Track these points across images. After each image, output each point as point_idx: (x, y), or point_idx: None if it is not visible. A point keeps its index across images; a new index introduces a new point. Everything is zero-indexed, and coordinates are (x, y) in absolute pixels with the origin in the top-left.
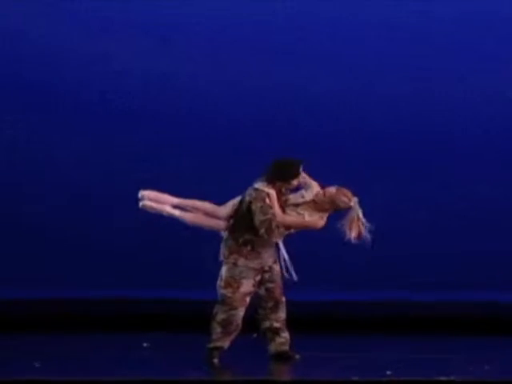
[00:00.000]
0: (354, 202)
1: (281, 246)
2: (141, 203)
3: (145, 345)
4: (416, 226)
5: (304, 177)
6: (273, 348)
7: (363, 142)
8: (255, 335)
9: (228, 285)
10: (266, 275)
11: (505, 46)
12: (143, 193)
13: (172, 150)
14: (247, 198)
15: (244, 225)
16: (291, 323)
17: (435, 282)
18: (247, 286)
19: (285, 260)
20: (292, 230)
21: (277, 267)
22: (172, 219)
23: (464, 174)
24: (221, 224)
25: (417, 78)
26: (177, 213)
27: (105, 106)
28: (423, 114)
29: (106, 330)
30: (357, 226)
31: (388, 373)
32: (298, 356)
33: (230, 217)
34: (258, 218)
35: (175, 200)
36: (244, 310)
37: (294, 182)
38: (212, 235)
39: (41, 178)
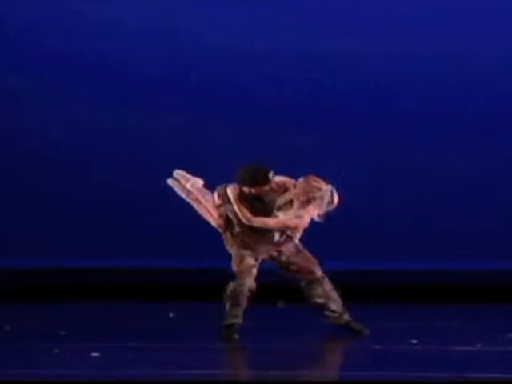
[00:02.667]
0: (326, 187)
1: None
2: (169, 180)
3: (171, 314)
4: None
5: (277, 183)
6: (330, 322)
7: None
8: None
9: (233, 262)
10: (282, 258)
11: None
12: (176, 171)
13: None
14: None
15: (233, 219)
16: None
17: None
18: (250, 259)
19: None
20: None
21: (288, 249)
22: None
23: None
24: (213, 221)
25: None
26: (190, 197)
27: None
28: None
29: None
30: (320, 206)
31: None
32: (367, 330)
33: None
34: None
35: (199, 185)
36: (251, 281)
37: (264, 188)
38: None
39: None
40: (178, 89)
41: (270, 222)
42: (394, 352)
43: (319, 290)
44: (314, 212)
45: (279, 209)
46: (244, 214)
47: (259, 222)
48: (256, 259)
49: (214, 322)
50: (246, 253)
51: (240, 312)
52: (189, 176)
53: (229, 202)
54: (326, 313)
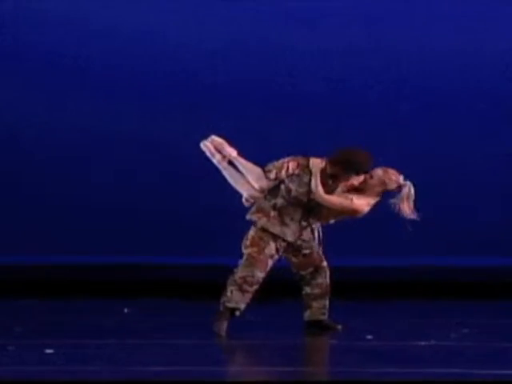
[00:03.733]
0: (402, 180)
1: (316, 232)
2: (202, 142)
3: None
4: None
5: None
6: (307, 315)
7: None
8: None
9: (255, 244)
10: (299, 242)
11: None
12: (212, 137)
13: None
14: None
15: (278, 190)
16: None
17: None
18: (272, 248)
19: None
20: (332, 220)
21: (307, 236)
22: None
23: None
24: (253, 193)
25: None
26: (223, 165)
27: None
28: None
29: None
30: (407, 204)
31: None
32: (339, 326)
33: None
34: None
35: (233, 154)
36: (264, 273)
37: (356, 178)
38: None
39: None
40: (177, 87)
41: (341, 201)
42: (354, 348)
43: (322, 279)
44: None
45: (349, 191)
46: (319, 187)
47: (330, 199)
48: (277, 250)
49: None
50: (271, 237)
51: (244, 299)
52: (225, 144)
53: (306, 173)
54: (316, 304)
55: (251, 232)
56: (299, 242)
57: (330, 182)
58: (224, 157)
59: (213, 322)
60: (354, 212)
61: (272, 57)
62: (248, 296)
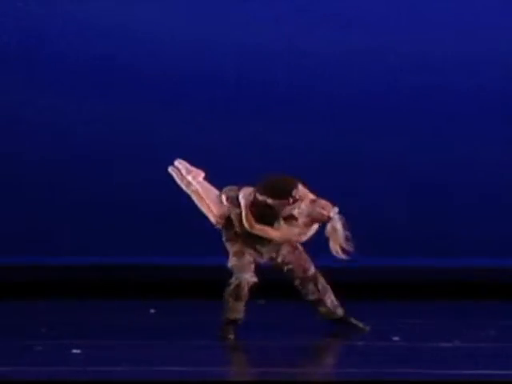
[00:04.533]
0: (333, 213)
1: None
2: (170, 168)
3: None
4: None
5: (298, 197)
6: (323, 317)
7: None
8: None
9: (233, 255)
10: (280, 259)
11: None
12: (178, 160)
13: None
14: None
15: (235, 221)
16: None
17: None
18: (250, 254)
19: None
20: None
21: (285, 248)
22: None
23: None
24: (212, 217)
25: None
26: (191, 188)
27: None
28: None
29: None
30: (336, 240)
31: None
32: (366, 327)
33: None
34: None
35: (199, 177)
36: (252, 276)
37: (281, 202)
38: None
39: None
40: (179, 86)
41: (272, 232)
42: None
43: (312, 287)
44: (315, 228)
45: (284, 219)
46: (248, 220)
47: (261, 230)
48: (257, 256)
49: (212, 320)
50: (247, 250)
51: (242, 307)
52: (191, 167)
53: (238, 206)
54: (320, 308)
55: (229, 253)
56: (280, 260)
57: (268, 209)
58: (189, 183)
59: (220, 338)
60: (289, 241)
61: (284, 59)
62: (244, 300)
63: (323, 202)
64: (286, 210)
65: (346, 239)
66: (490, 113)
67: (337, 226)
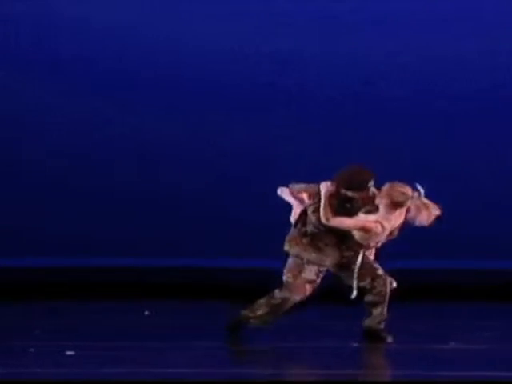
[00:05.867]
0: (410, 192)
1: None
2: (279, 190)
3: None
4: None
5: (373, 191)
6: (366, 321)
7: None
8: None
9: (290, 270)
10: (344, 260)
11: None
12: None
13: None
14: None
15: (306, 217)
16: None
17: None
18: (310, 273)
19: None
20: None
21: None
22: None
23: None
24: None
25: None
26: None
27: None
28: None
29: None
30: (425, 212)
31: None
32: (389, 339)
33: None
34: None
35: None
36: (301, 298)
37: (359, 193)
38: None
39: None
40: (179, 86)
41: (347, 221)
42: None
43: (380, 287)
44: (396, 221)
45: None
46: (325, 213)
47: (337, 221)
48: (317, 275)
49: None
50: (309, 263)
51: (270, 319)
52: (304, 188)
53: (319, 200)
54: (375, 312)
55: (289, 259)
56: (344, 260)
57: (348, 204)
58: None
59: (227, 332)
60: (367, 231)
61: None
62: (275, 316)
63: (399, 183)
64: (366, 201)
65: (432, 207)
66: None
67: (422, 201)
